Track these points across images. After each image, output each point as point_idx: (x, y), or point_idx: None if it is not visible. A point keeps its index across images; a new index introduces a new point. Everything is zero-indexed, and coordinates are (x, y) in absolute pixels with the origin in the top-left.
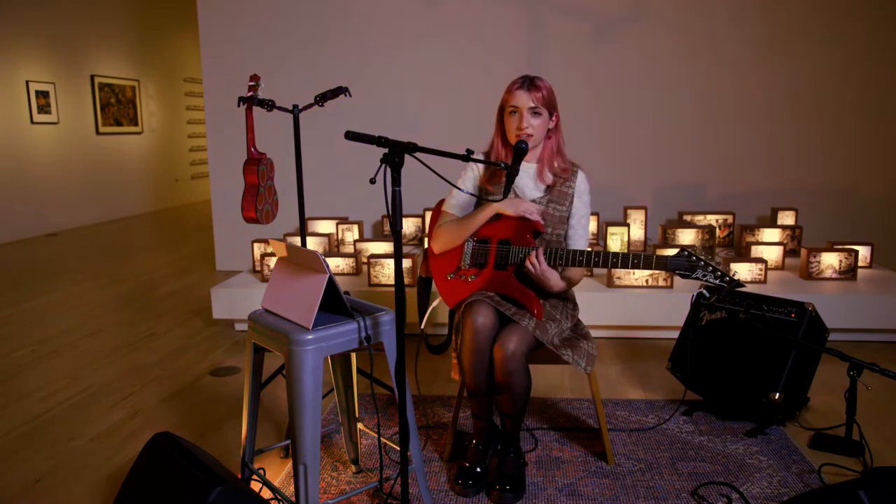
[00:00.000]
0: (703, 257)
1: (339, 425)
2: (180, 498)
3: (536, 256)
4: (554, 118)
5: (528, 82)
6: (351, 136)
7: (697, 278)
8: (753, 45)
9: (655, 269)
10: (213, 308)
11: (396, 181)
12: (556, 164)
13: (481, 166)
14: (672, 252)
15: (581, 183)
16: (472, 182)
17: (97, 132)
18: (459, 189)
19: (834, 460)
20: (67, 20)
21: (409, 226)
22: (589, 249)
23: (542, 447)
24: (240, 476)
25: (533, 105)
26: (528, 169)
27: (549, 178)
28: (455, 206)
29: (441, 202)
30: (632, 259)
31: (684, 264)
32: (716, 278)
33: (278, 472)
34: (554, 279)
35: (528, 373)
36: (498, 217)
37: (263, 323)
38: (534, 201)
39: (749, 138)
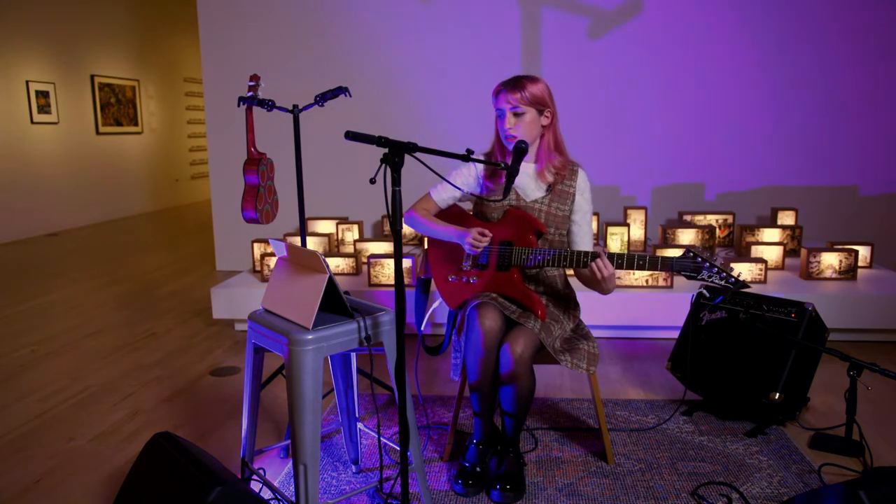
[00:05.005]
0: (708, 258)
1: (339, 425)
2: (180, 498)
3: (603, 261)
4: (547, 115)
5: (509, 84)
6: (351, 136)
7: (703, 279)
8: (754, 44)
9: (661, 270)
10: (213, 308)
11: (396, 181)
12: (554, 161)
13: (480, 167)
14: (675, 252)
15: (582, 181)
16: (466, 181)
17: (97, 132)
18: (458, 188)
19: (834, 460)
20: (67, 20)
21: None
22: (593, 251)
23: (542, 447)
24: (240, 476)
25: (513, 106)
26: (527, 169)
27: (549, 176)
28: (440, 197)
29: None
30: (637, 260)
31: (689, 265)
32: (721, 279)
33: (278, 472)
34: (613, 282)
35: (533, 375)
36: (499, 218)
37: (263, 323)
38: (535, 201)
39: (749, 138)
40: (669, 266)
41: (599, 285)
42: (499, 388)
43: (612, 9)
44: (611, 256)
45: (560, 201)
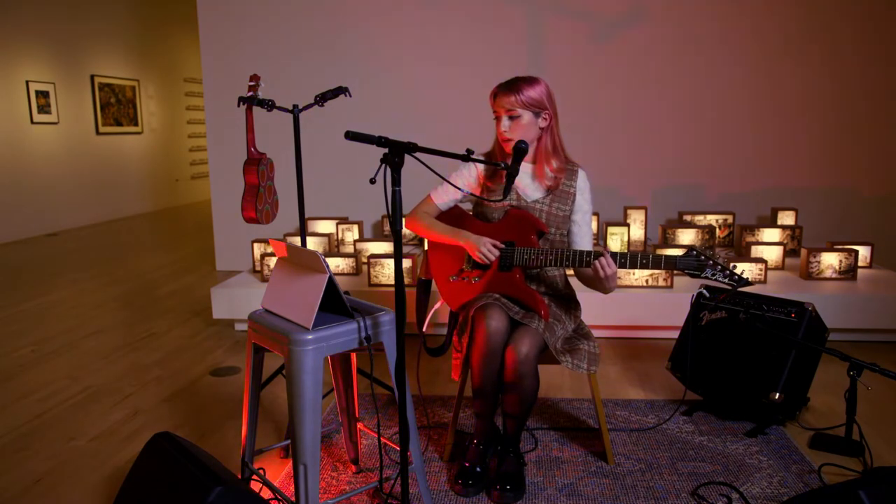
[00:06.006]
0: (711, 256)
1: (339, 425)
2: (180, 498)
3: (606, 260)
4: (545, 117)
5: (505, 86)
6: (351, 136)
7: (706, 277)
8: (753, 45)
9: (665, 268)
10: (213, 308)
11: (396, 181)
12: (552, 163)
13: (480, 168)
14: (676, 252)
15: (582, 181)
16: (466, 182)
17: (97, 132)
18: (458, 189)
19: (834, 460)
20: (67, 20)
21: None
22: (596, 250)
23: (542, 447)
24: (240, 476)
25: (508, 109)
26: (526, 169)
27: (548, 178)
28: (441, 200)
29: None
30: (640, 259)
31: (693, 264)
32: (724, 277)
33: (278, 472)
34: (615, 281)
35: (537, 376)
36: (499, 218)
37: (263, 323)
38: (536, 202)
39: (749, 138)
40: (673, 264)
41: (601, 284)
42: (502, 389)
43: (615, 11)
44: (614, 255)
45: (560, 201)
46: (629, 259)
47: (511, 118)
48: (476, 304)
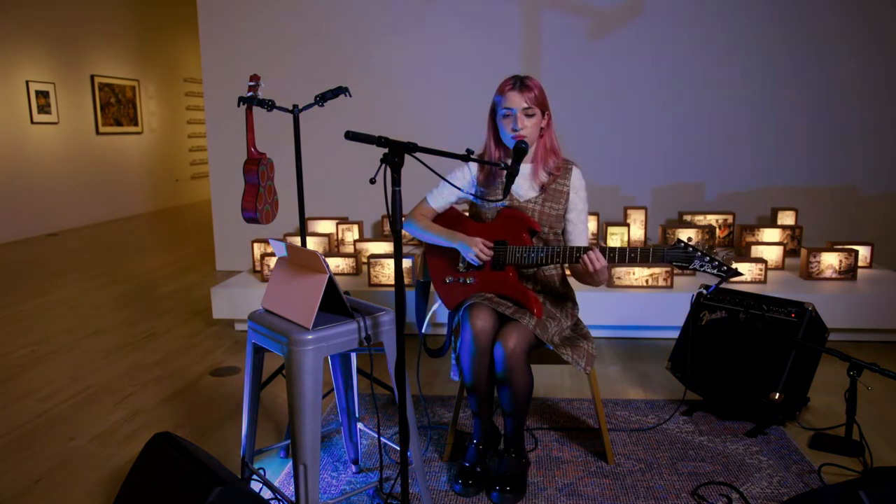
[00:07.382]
0: (699, 248)
1: (339, 425)
2: (180, 498)
3: (595, 254)
4: (546, 116)
5: (520, 83)
6: (351, 136)
7: (695, 269)
8: (754, 43)
9: (652, 261)
10: (213, 308)
11: (396, 181)
12: (550, 163)
13: (475, 168)
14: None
15: (576, 179)
16: (462, 184)
17: (97, 132)
18: (458, 189)
19: (834, 460)
20: (67, 20)
21: None
22: (587, 245)
23: (542, 447)
24: (240, 476)
25: (526, 106)
26: (522, 170)
27: (543, 177)
28: (437, 202)
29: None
30: (628, 253)
31: (680, 255)
32: (713, 268)
33: (278, 472)
34: (605, 274)
35: (529, 371)
36: (493, 217)
37: (263, 323)
38: (529, 201)
39: (749, 138)
40: (661, 257)
41: (591, 278)
42: (496, 387)
43: (613, 9)
44: (603, 250)
45: (554, 200)
46: (618, 253)
47: (527, 115)
48: (464, 305)
